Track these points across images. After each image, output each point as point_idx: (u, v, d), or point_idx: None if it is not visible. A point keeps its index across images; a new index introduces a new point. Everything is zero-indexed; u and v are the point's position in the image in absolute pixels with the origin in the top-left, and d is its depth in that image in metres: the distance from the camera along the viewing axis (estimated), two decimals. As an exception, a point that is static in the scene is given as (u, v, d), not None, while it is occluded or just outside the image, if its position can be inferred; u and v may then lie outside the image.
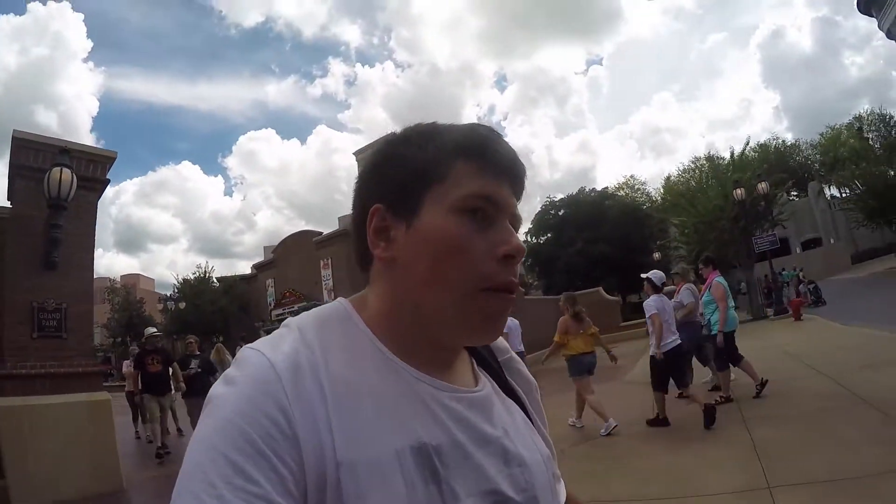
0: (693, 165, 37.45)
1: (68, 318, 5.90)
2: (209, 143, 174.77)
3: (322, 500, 0.54)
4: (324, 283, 45.05)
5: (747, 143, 27.81)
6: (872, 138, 43.73)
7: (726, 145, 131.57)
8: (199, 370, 9.30)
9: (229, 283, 40.13)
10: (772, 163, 60.54)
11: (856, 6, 29.95)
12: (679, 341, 6.48)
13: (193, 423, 5.71)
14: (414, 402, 0.64)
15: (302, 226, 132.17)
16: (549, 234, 41.03)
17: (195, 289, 37.21)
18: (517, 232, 0.71)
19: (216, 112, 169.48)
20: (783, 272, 26.11)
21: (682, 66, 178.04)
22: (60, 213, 5.83)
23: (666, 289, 7.14)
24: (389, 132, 0.75)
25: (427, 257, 0.65)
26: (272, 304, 41.60)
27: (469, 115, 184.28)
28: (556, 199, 42.74)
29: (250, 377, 0.57)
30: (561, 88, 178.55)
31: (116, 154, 6.82)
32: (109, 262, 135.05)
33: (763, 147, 63.84)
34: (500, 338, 0.83)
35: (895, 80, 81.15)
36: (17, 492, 5.05)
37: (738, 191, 20.08)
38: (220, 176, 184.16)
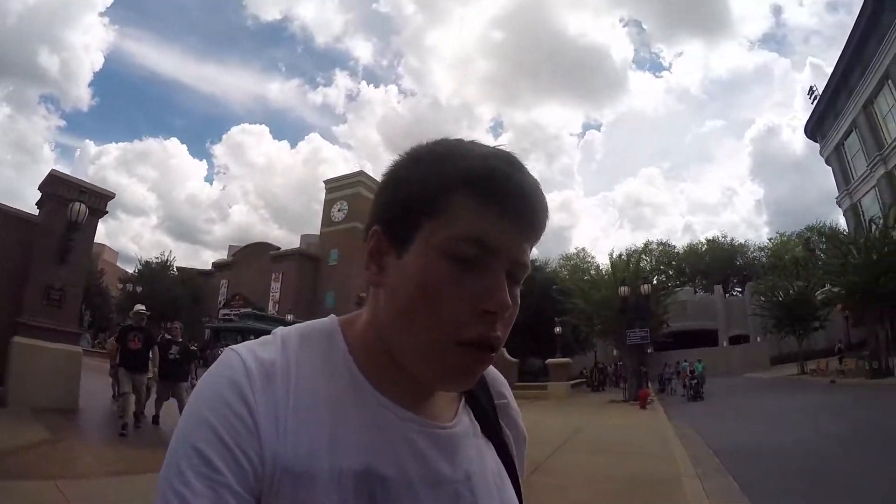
0: (632, 251, 40.64)
1: (66, 296, 9.13)
2: (201, 126, 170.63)
3: (269, 501, 0.57)
4: (271, 294, 48.79)
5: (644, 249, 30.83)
6: (822, 251, 48.08)
7: (703, 228, 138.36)
8: (178, 356, 9.55)
9: (188, 274, 41.73)
10: (722, 258, 65.43)
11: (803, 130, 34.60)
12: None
13: (158, 407, 8.97)
14: (372, 428, 0.63)
15: (274, 229, 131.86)
16: None
17: (155, 273, 38.98)
18: (520, 281, 0.66)
19: (216, 97, 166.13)
20: (682, 363, 28.87)
21: (675, 146, 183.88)
22: (75, 231, 9.15)
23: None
24: (415, 144, 0.70)
25: (403, 295, 0.62)
26: (221, 304, 43.58)
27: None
28: None
29: (225, 377, 0.60)
30: (553, 145, 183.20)
31: (115, 194, 10.40)
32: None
33: (712, 242, 68.55)
34: (502, 381, 0.85)
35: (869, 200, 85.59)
36: (11, 397, 8.11)
37: (623, 288, 22.92)
38: (205, 161, 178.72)
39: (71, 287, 9.37)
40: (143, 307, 9.33)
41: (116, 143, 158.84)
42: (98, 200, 10.05)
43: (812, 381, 25.98)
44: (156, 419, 9.10)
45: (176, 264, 43.87)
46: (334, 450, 0.60)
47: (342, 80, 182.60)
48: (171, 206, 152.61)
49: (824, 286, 26.49)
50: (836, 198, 31.57)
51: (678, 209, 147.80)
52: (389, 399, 0.66)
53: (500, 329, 0.63)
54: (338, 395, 0.64)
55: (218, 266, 50.82)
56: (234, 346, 0.65)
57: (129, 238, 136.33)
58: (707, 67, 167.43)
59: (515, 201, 0.62)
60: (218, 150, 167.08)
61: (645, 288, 23.75)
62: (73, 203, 9.14)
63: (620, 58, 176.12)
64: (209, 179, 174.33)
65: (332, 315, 0.75)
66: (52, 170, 9.76)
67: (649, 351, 44.05)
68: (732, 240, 70.29)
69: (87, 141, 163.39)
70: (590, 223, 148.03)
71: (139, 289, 31.62)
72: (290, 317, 33.12)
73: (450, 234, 0.61)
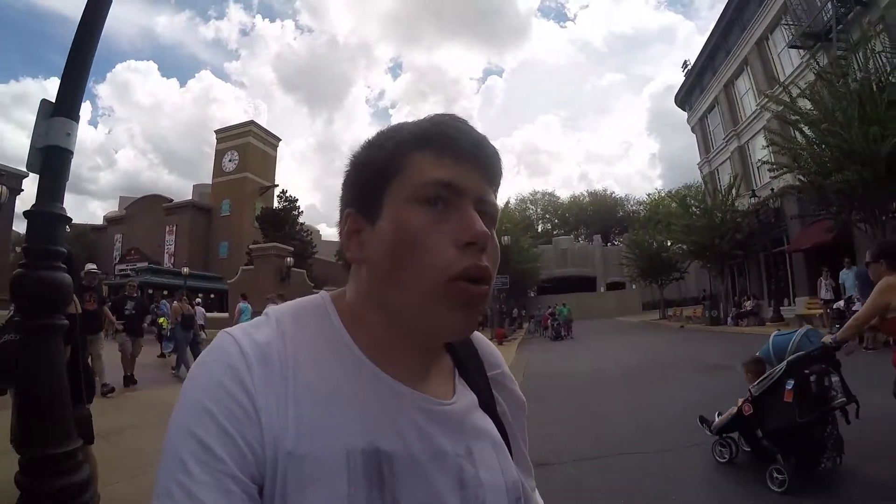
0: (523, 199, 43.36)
1: None
2: None
3: (273, 486, 0.56)
4: (166, 247, 48.64)
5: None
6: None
7: (599, 177, 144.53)
8: (134, 312, 9.99)
9: (80, 230, 40.53)
10: (604, 210, 70.27)
11: (667, 102, 37.85)
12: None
13: (125, 361, 9.76)
14: (375, 406, 0.63)
15: (164, 174, 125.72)
16: None
17: None
18: (494, 222, 0.69)
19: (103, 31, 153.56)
20: (559, 306, 31.54)
21: (574, 96, 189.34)
22: None
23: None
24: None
25: (387, 255, 0.64)
26: (117, 259, 42.73)
27: (357, 95, 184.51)
28: None
29: (221, 361, 0.60)
30: (453, 90, 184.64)
31: (29, 173, 11.75)
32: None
33: (594, 195, 73.40)
34: (495, 351, 0.87)
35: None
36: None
37: None
38: (88, 102, 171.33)
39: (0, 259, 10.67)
40: (94, 266, 8.93)
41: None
42: (14, 180, 11.12)
43: (667, 326, 29.01)
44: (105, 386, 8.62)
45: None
46: (338, 430, 0.60)
47: (235, 13, 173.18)
48: None
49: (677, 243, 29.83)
50: (698, 163, 35.14)
51: (575, 158, 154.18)
52: (390, 376, 0.66)
53: (487, 261, 0.64)
54: (338, 375, 0.64)
55: (111, 220, 49.44)
56: (228, 330, 0.65)
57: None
58: (612, 21, 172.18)
59: (468, 148, 0.67)
60: (102, 89, 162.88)
61: (505, 239, 26.86)
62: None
63: (525, 5, 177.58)
64: (93, 123, 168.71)
65: (322, 292, 0.75)
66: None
67: (532, 294, 48.12)
68: (613, 193, 75.44)
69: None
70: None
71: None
72: (185, 269, 33.01)
73: (416, 184, 0.64)
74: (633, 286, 50.94)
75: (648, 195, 68.89)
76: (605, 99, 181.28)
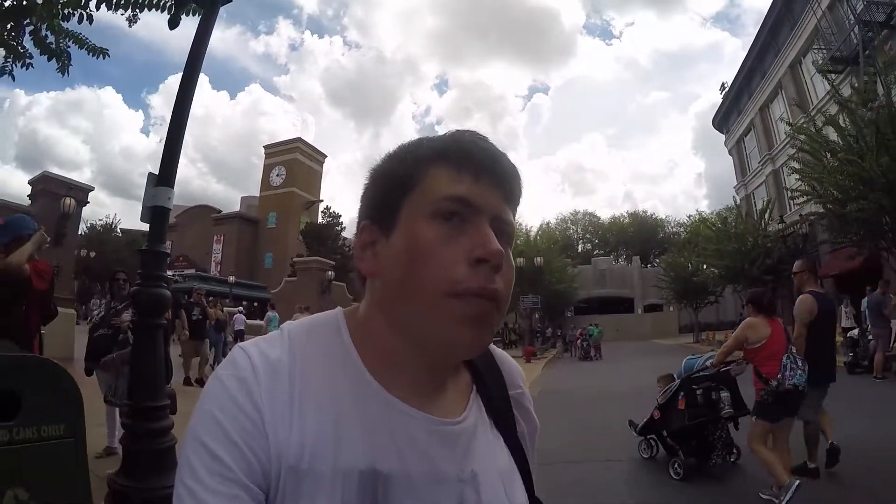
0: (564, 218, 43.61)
1: (61, 271, 11.31)
2: (138, 75, 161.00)
3: (274, 497, 0.58)
4: (213, 256, 50.46)
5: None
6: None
7: (644, 197, 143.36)
8: (201, 317, 10.81)
9: (132, 236, 41.38)
10: (645, 231, 69.80)
11: (711, 121, 37.92)
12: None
13: (187, 365, 10.77)
14: (377, 426, 0.63)
15: (213, 183, 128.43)
16: None
17: (101, 236, 39.70)
18: (511, 241, 0.68)
19: (156, 44, 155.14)
20: (589, 327, 31.78)
21: (620, 114, 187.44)
22: (66, 219, 11.50)
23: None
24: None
25: (399, 267, 0.64)
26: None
27: (404, 111, 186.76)
28: None
29: (232, 375, 0.62)
30: (498, 106, 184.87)
31: (94, 188, 12.69)
32: (5, 177, 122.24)
33: (634, 215, 73.03)
34: (518, 370, 0.85)
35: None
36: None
37: (519, 259, 25.43)
38: (140, 111, 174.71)
39: (66, 264, 11.63)
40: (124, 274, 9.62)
41: (48, 91, 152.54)
42: (82, 194, 12.32)
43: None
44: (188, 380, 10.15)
45: (120, 226, 44.72)
46: (338, 448, 0.60)
47: (285, 28, 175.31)
48: (105, 160, 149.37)
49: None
50: (734, 186, 35.04)
51: (619, 177, 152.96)
52: (395, 396, 0.66)
53: (500, 282, 0.64)
54: (343, 392, 0.64)
55: None
56: (241, 344, 0.66)
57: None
58: (657, 39, 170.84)
59: (487, 165, 0.66)
60: (154, 100, 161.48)
61: (538, 261, 27.61)
62: (64, 198, 11.45)
63: (570, 22, 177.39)
64: (145, 131, 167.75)
65: (338, 307, 0.76)
66: (45, 171, 12.13)
67: (569, 315, 48.09)
68: (653, 214, 74.98)
69: (17, 90, 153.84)
70: (532, 186, 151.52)
71: (92, 254, 31.03)
72: (231, 278, 34.50)
73: (432, 198, 0.64)
74: (671, 308, 50.27)
75: (689, 217, 68.06)
76: (651, 117, 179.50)
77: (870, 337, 11.84)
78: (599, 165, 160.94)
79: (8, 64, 4.53)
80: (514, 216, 0.71)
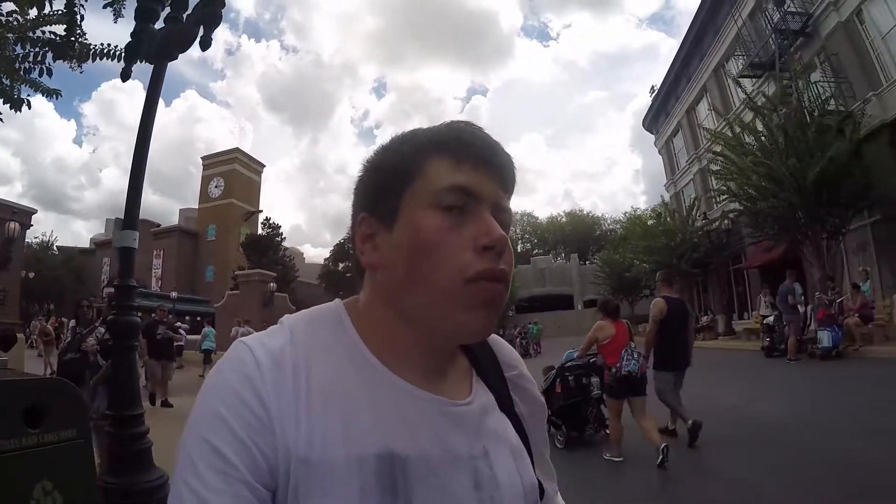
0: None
1: (7, 295, 11.46)
2: (70, 82, 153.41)
3: (285, 493, 0.57)
4: (153, 271, 49.40)
5: None
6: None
7: (584, 194, 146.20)
8: (166, 336, 10.54)
9: (69, 253, 41.00)
10: (582, 229, 71.47)
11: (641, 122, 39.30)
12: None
13: (153, 384, 10.26)
14: (388, 410, 0.63)
15: (149, 194, 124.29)
16: (348, 263, 48.92)
17: (37, 255, 37.83)
18: (508, 228, 0.70)
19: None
20: (531, 325, 32.53)
21: (558, 115, 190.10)
22: (11, 244, 11.46)
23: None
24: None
25: (405, 258, 0.64)
26: (105, 282, 42.75)
27: (342, 115, 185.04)
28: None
29: (235, 370, 0.61)
30: (437, 109, 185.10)
31: (37, 210, 12.76)
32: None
33: (571, 214, 74.80)
34: (512, 352, 0.86)
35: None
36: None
37: None
38: (73, 120, 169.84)
39: (11, 288, 11.62)
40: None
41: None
42: (25, 217, 12.27)
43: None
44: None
45: (57, 244, 43.73)
46: (351, 436, 0.60)
47: (222, 32, 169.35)
48: (37, 172, 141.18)
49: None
50: (664, 185, 36.43)
51: (559, 176, 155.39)
52: (403, 380, 0.66)
53: (504, 265, 0.65)
54: (351, 380, 0.64)
55: (99, 244, 50.13)
56: (242, 339, 0.65)
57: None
58: (595, 40, 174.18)
59: (485, 154, 0.68)
60: (87, 108, 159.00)
61: None
62: (8, 222, 11.55)
63: (508, 24, 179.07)
64: (78, 141, 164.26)
65: (336, 299, 0.75)
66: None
67: (510, 314, 48.93)
68: (590, 213, 76.30)
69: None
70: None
71: (31, 274, 29.86)
72: (174, 294, 33.92)
73: (434, 189, 0.65)
74: (610, 303, 51.18)
75: (625, 213, 69.89)
76: (589, 116, 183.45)
77: (785, 323, 12.90)
78: (539, 165, 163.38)
79: None
80: (510, 203, 0.72)
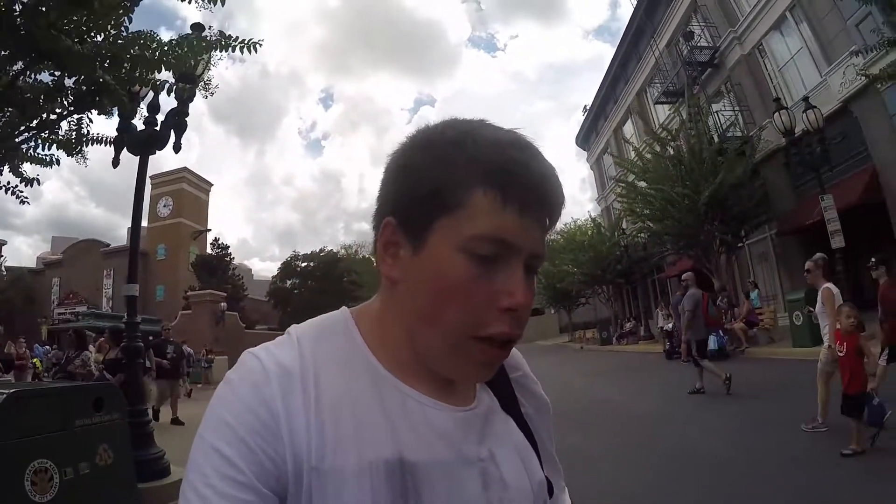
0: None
1: None
2: None
3: (297, 499, 0.58)
4: (104, 291, 49.02)
5: None
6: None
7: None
8: (175, 355, 10.85)
9: (17, 273, 40.68)
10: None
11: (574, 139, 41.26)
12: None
13: (160, 403, 10.77)
14: (397, 417, 0.63)
15: (92, 208, 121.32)
16: (295, 280, 52.53)
17: None
18: (538, 269, 0.66)
19: None
20: None
21: (505, 124, 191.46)
22: None
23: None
24: (423, 126, 0.68)
25: (425, 293, 0.62)
26: (55, 303, 42.82)
27: (289, 126, 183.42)
28: (299, 254, 54.97)
29: (244, 379, 0.61)
30: (384, 120, 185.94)
31: (6, 241, 13.57)
32: None
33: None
34: (516, 354, 0.82)
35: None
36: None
37: None
38: None
39: None
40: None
41: None
42: None
43: (571, 347, 32.28)
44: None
45: (5, 264, 43.01)
46: (361, 443, 0.60)
47: (165, 37, 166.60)
48: None
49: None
50: (596, 199, 38.41)
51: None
52: (410, 387, 0.66)
53: (518, 327, 0.63)
54: (359, 388, 0.64)
55: (48, 264, 49.49)
56: (251, 350, 0.65)
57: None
58: (541, 51, 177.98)
59: (536, 193, 0.62)
60: None
61: None
62: None
63: (456, 35, 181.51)
64: None
65: (343, 307, 0.75)
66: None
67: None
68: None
69: None
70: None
71: None
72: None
73: (471, 234, 0.60)
74: (552, 311, 53.19)
75: (565, 224, 71.59)
76: (535, 125, 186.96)
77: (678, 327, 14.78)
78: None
79: None
80: (546, 239, 0.68)
